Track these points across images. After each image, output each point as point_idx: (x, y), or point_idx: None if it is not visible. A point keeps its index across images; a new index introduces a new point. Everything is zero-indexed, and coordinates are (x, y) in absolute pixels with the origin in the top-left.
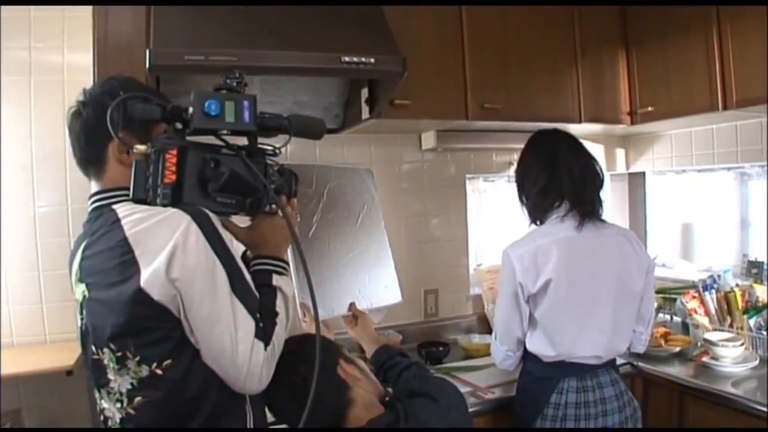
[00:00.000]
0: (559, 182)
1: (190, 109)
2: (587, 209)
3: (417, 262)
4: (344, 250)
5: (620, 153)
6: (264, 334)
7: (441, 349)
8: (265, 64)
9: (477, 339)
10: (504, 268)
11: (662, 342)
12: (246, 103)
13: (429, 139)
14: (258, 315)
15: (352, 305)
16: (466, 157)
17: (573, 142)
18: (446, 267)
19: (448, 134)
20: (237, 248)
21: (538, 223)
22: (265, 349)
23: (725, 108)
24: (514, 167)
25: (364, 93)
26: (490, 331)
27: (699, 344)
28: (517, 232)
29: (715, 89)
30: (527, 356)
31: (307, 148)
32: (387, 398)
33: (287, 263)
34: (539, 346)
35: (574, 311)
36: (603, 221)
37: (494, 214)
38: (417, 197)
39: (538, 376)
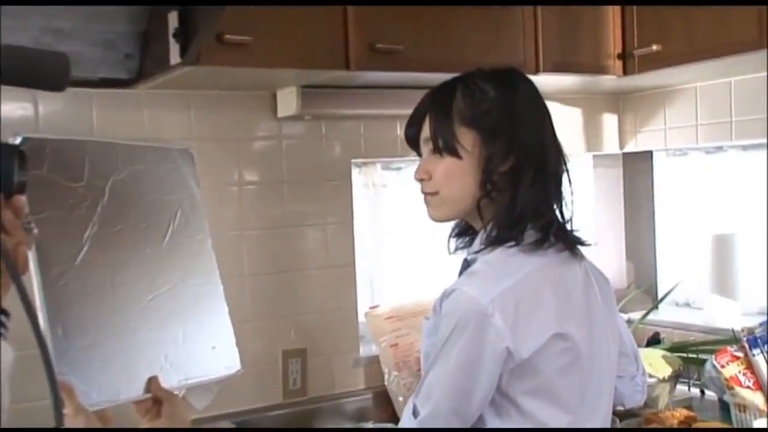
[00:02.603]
0: (559, 175)
1: None
2: (568, 231)
3: (271, 305)
4: (141, 288)
5: (610, 121)
6: None
7: None
8: None
9: None
10: (464, 323)
11: None
12: None
13: (288, 101)
14: None
15: (152, 382)
16: (352, 129)
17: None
18: (320, 312)
19: (320, 93)
20: None
21: (503, 244)
22: None
23: None
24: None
25: (173, 20)
26: (393, 418)
27: None
28: (439, 251)
29: (766, 13)
30: None
31: (77, 112)
32: None
33: (5, 314)
34: None
35: (581, 379)
36: None
37: (400, 221)
38: (270, 196)
39: None
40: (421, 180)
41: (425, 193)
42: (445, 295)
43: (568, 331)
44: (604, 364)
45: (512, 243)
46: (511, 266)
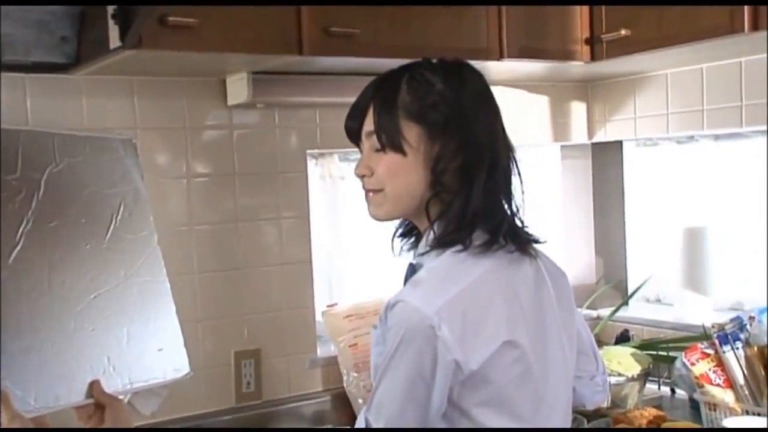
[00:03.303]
0: (509, 172)
1: None
2: (520, 232)
3: (222, 304)
4: (80, 288)
5: (578, 110)
6: None
7: None
8: None
9: None
10: (410, 336)
11: None
12: None
13: (239, 89)
14: None
15: (94, 386)
16: (307, 118)
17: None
18: (275, 311)
19: (273, 80)
20: None
21: (451, 247)
22: None
23: (755, 29)
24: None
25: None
26: (352, 421)
27: None
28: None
29: None
30: None
31: (9, 99)
32: None
33: None
34: None
35: (534, 386)
36: None
37: (359, 215)
38: (221, 189)
39: None
40: (362, 176)
41: (367, 190)
42: (390, 306)
43: (517, 339)
44: (560, 368)
45: (460, 247)
46: (457, 273)
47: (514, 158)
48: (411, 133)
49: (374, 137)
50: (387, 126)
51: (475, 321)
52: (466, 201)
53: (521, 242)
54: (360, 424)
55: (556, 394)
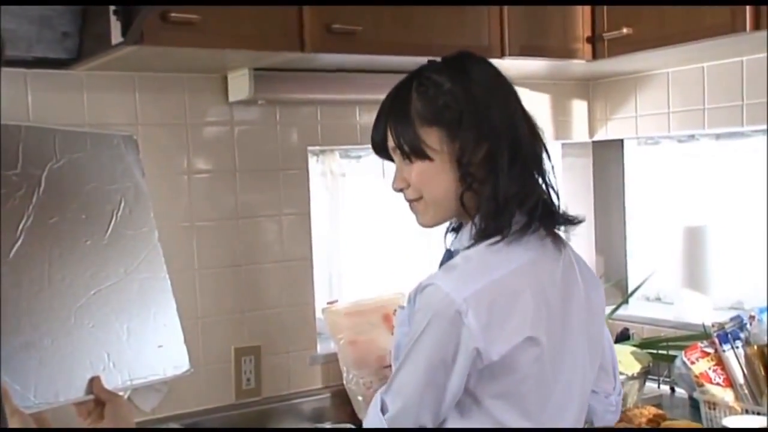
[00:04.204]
0: (538, 153)
1: None
2: (555, 211)
3: (223, 301)
4: (80, 284)
5: (579, 108)
6: None
7: None
8: None
9: None
10: (437, 320)
11: None
12: None
13: (241, 85)
14: None
15: (94, 383)
16: (309, 115)
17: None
18: (275, 307)
19: (274, 76)
20: None
21: (492, 237)
22: None
23: (756, 28)
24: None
25: None
26: (352, 418)
27: None
28: (402, 245)
29: None
30: None
31: (10, 94)
32: None
33: None
34: None
35: (546, 386)
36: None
37: (359, 212)
38: (222, 186)
39: None
40: (400, 190)
41: (409, 201)
42: (420, 288)
43: (539, 337)
44: (577, 374)
45: (497, 238)
46: (490, 263)
47: (539, 134)
48: (431, 137)
49: (398, 150)
50: (407, 138)
51: (502, 313)
52: (496, 186)
53: (554, 225)
54: (375, 405)
55: (567, 396)
